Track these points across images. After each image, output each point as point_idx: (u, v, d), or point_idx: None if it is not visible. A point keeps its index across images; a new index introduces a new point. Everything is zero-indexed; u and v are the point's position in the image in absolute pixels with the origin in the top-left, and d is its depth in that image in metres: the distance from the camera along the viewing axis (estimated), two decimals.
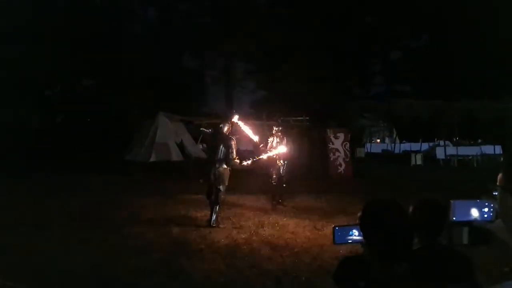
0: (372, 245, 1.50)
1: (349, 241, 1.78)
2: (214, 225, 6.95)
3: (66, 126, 23.52)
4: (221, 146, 7.02)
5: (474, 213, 2.08)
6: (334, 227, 1.80)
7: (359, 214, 1.59)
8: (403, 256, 1.46)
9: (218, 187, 7.01)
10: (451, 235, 2.08)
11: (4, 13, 17.98)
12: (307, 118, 18.96)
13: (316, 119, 19.44)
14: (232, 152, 7.02)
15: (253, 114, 28.57)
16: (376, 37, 33.18)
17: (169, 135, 18.76)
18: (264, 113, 18.60)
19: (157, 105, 20.18)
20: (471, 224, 2.09)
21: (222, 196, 7.17)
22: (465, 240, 2.08)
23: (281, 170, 8.93)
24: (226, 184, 7.15)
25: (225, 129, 7.26)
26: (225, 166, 7.04)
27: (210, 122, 17.31)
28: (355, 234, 1.76)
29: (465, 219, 2.08)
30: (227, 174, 7.11)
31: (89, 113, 23.99)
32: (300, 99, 23.61)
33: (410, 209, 2.07)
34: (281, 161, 8.92)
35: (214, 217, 7.03)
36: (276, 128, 9.00)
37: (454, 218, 2.07)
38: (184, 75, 29.47)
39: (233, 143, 7.10)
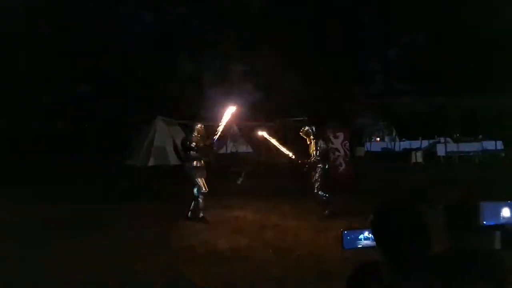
0: (385, 250, 1.38)
1: (359, 246, 1.65)
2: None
3: (64, 132, 23.41)
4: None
5: (507, 215, 1.93)
6: (342, 231, 1.68)
7: (370, 217, 1.47)
8: (419, 262, 1.34)
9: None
10: (481, 239, 1.93)
11: (2, 20, 17.90)
12: (306, 118, 18.83)
13: (315, 119, 19.33)
14: None
15: (252, 116, 28.54)
16: (374, 36, 33.17)
17: (167, 139, 18.69)
18: (262, 114, 18.48)
19: (154, 109, 20.12)
20: (504, 227, 1.94)
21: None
22: (497, 245, 1.93)
23: (315, 176, 7.76)
24: None
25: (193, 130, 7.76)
26: None
27: (207, 124, 17.20)
28: (366, 238, 1.64)
29: (496, 222, 1.93)
30: None
31: (87, 119, 23.91)
32: (299, 99, 23.54)
33: (440, 209, 1.95)
34: (320, 166, 7.79)
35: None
36: (304, 128, 7.93)
37: (484, 222, 1.92)
38: (180, 78, 29.38)
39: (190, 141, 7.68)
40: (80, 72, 23.02)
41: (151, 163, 17.77)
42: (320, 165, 7.73)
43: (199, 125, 7.77)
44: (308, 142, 7.88)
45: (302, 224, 7.30)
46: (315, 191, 7.71)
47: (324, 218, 7.60)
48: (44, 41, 20.42)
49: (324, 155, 7.87)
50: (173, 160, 17.91)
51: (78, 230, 7.03)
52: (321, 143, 7.84)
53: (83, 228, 7.17)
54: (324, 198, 7.71)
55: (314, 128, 7.91)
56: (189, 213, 7.76)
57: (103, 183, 12.58)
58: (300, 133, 8.05)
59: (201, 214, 7.55)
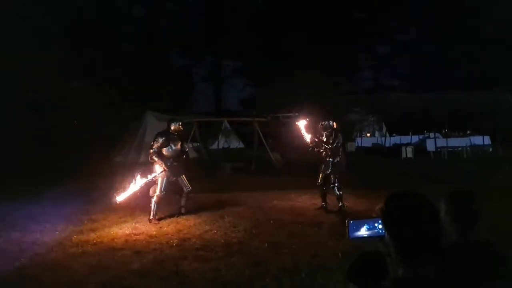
0: (396, 241, 1.39)
1: (365, 236, 1.67)
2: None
3: (54, 129, 23.13)
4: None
5: None
6: (348, 221, 1.69)
7: (379, 206, 1.48)
8: (432, 253, 1.36)
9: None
10: None
11: None
12: (297, 114, 18.85)
13: (306, 115, 19.36)
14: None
15: (242, 111, 28.54)
16: (364, 32, 33.30)
17: None
18: (253, 110, 18.47)
19: (145, 104, 19.96)
20: None
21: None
22: None
23: (328, 170, 7.83)
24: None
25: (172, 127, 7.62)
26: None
27: (201, 120, 17.18)
28: (372, 228, 1.66)
29: None
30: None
31: (77, 115, 23.62)
32: (289, 95, 23.56)
33: (443, 200, 1.98)
34: (330, 159, 7.80)
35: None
36: (323, 123, 7.92)
37: None
38: (172, 73, 29.23)
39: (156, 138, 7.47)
40: (70, 66, 22.72)
41: (142, 159, 17.65)
42: (331, 159, 7.79)
43: (175, 124, 7.62)
44: (325, 136, 7.90)
45: (297, 219, 7.34)
46: (331, 185, 7.80)
47: (317, 213, 7.71)
48: (33, 33, 20.11)
49: (337, 150, 7.89)
50: None
51: (70, 227, 7.00)
52: (340, 137, 7.90)
53: (75, 225, 7.14)
54: (339, 193, 7.78)
55: (332, 123, 7.94)
56: (182, 208, 7.79)
57: (93, 180, 12.45)
58: (320, 126, 8.04)
59: (152, 216, 7.32)
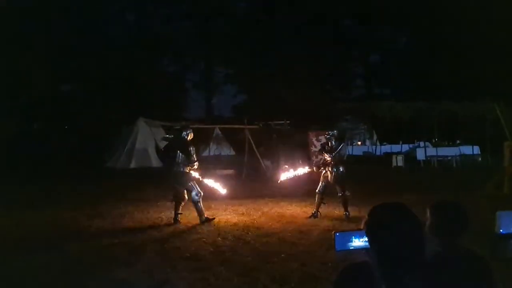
0: (380, 253, 1.39)
1: (351, 248, 1.67)
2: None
3: (43, 133, 22.95)
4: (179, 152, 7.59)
5: None
6: (334, 233, 1.69)
7: (364, 219, 1.48)
8: (415, 265, 1.35)
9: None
10: (495, 248, 1.97)
11: None
12: (288, 121, 18.93)
13: (297, 123, 19.45)
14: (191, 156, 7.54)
15: (234, 119, 28.52)
16: (356, 40, 33.59)
17: (149, 140, 18.52)
18: (245, 117, 18.46)
19: (136, 110, 19.91)
20: None
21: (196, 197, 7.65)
22: (509, 253, 1.98)
23: (329, 178, 7.92)
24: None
25: (188, 136, 7.73)
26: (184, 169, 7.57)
27: (192, 126, 17.12)
28: (358, 240, 1.66)
29: None
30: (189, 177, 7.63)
31: (67, 119, 23.47)
32: (281, 103, 23.65)
33: (428, 211, 1.98)
34: (333, 169, 7.88)
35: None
36: (329, 133, 8.09)
37: (501, 231, 1.96)
38: (164, 79, 29.17)
39: (191, 148, 7.59)
40: (61, 71, 22.58)
41: (133, 165, 17.58)
42: (334, 169, 7.87)
43: (191, 132, 7.79)
44: (330, 146, 8.02)
45: (287, 227, 7.32)
46: (339, 194, 7.91)
47: (307, 221, 7.71)
48: (24, 38, 19.97)
49: (343, 159, 8.05)
50: (155, 162, 17.76)
51: (57, 235, 6.92)
52: (345, 146, 8.15)
53: (62, 233, 7.05)
54: (347, 195, 7.91)
55: (336, 133, 8.20)
56: (177, 216, 7.72)
57: (82, 186, 12.36)
58: (325, 136, 8.22)
59: (205, 217, 7.67)
